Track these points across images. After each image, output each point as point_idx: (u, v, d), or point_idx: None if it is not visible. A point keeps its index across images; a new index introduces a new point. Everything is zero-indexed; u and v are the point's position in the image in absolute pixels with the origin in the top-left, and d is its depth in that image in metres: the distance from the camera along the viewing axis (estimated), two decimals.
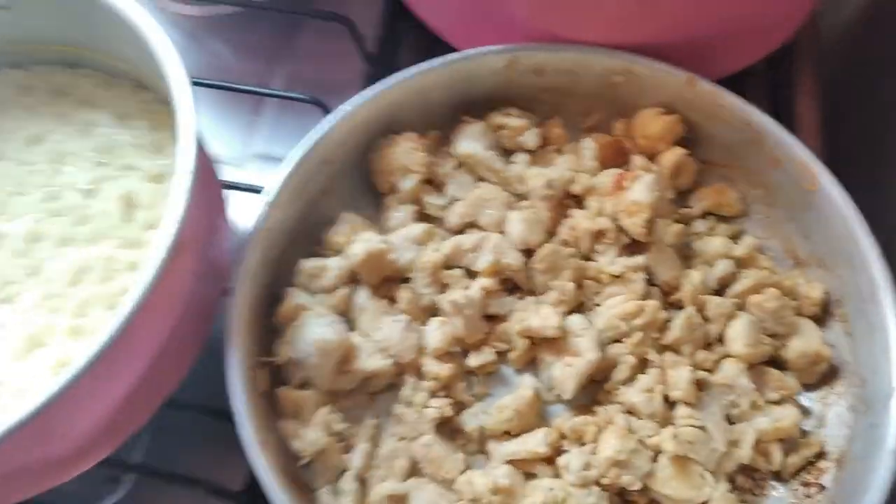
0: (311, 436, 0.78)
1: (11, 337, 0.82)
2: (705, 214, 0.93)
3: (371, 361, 0.83)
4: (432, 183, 0.94)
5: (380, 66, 1.12)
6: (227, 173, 1.04)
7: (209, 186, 0.86)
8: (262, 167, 1.11)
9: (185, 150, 0.77)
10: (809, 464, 0.80)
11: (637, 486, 0.76)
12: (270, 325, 0.85)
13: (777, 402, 0.82)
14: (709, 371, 0.82)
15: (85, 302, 0.84)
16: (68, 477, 0.79)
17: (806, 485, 0.79)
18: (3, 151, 0.94)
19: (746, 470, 0.81)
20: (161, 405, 0.83)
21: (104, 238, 0.88)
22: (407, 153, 0.91)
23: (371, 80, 0.94)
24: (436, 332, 0.84)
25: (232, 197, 1.07)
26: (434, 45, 1.00)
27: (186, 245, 0.78)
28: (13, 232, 0.88)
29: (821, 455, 0.80)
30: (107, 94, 0.97)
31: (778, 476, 0.81)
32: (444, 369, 0.82)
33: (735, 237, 0.92)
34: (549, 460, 0.80)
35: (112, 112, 0.96)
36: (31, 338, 0.82)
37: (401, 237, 0.88)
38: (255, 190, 1.00)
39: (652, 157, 0.93)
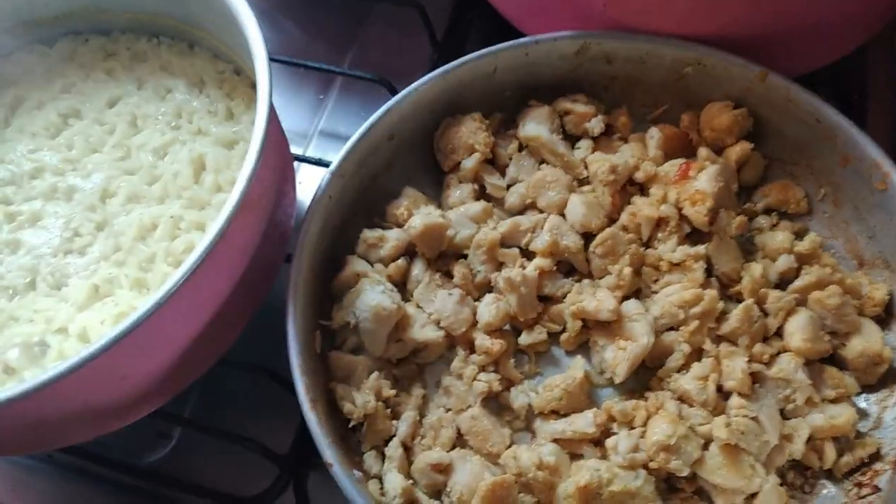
0: (361, 399, 0.79)
1: (78, 287, 0.85)
2: (769, 211, 0.92)
3: (423, 332, 0.84)
4: (494, 163, 0.95)
5: (447, 51, 1.14)
6: (295, 147, 1.07)
7: (280, 153, 0.88)
8: (328, 143, 1.14)
9: (260, 114, 0.79)
10: (864, 465, 0.78)
11: (685, 473, 0.76)
12: (327, 291, 0.87)
13: (833, 401, 0.81)
14: (765, 364, 0.81)
15: (150, 257, 0.86)
16: (123, 423, 0.81)
17: (859, 485, 0.77)
18: (84, 111, 0.97)
19: (798, 467, 0.79)
20: (216, 362, 0.86)
21: (172, 198, 0.91)
22: (471, 132, 0.92)
23: (438, 64, 0.95)
24: (489, 308, 0.84)
25: (299, 169, 1.11)
26: (502, 33, 1.01)
27: (254, 203, 0.80)
28: (86, 187, 0.92)
29: (876, 457, 0.78)
30: (184, 63, 1.00)
31: (830, 475, 0.79)
32: (495, 345, 0.82)
33: (799, 235, 0.90)
34: (596, 442, 0.80)
35: (188, 79, 0.99)
36: (96, 288, 0.85)
37: (459, 214, 0.89)
38: (322, 163, 1.03)
39: (718, 150, 0.92)
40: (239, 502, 0.89)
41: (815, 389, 0.80)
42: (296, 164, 1.05)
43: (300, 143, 1.14)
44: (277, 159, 0.86)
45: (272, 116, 0.79)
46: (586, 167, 0.91)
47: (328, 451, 0.72)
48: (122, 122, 0.96)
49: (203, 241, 0.71)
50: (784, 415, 0.80)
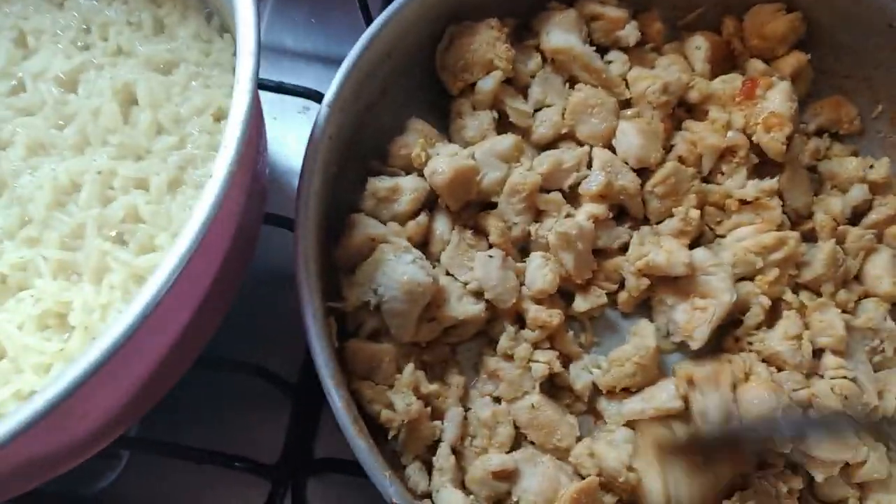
0: (401, 402, 0.62)
1: None
2: (820, 132, 0.81)
3: (462, 306, 0.67)
4: (512, 84, 0.76)
5: None
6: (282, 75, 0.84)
7: (256, 96, 0.66)
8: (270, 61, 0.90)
9: (247, 36, 0.56)
10: None
11: (788, 450, 0.65)
12: (330, 261, 0.67)
13: None
14: (850, 313, 0.71)
15: (76, 230, 0.63)
16: (80, 461, 0.59)
17: None
18: None
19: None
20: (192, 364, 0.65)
21: (95, 145, 0.66)
22: (488, 44, 0.72)
23: None
24: (541, 271, 0.68)
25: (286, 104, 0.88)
26: None
27: (246, 156, 0.58)
28: None
29: None
30: None
31: None
32: (553, 317, 0.67)
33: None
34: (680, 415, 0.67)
35: None
36: (2, 279, 0.61)
37: (484, 152, 0.71)
38: (285, 89, 0.81)
39: (767, 61, 0.78)
40: None
41: None
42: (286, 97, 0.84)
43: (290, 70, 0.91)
44: (257, 104, 0.64)
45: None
46: (628, 86, 0.75)
47: (392, 489, 0.54)
48: (5, 41, 0.69)
49: (200, 212, 0.50)
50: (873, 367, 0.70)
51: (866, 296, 0.73)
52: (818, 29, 0.79)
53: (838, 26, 0.78)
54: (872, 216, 0.75)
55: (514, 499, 0.63)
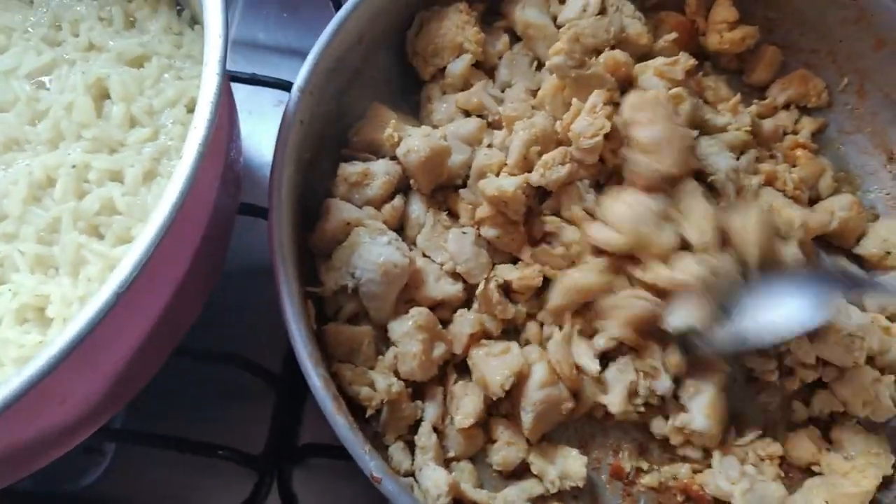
0: (383, 382, 0.62)
1: None
2: (788, 105, 0.82)
3: (440, 287, 0.67)
4: (480, 67, 0.77)
5: None
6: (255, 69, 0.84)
7: (227, 83, 0.66)
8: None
9: (213, 24, 0.57)
10: None
11: None
12: (305, 247, 0.67)
13: None
14: None
15: (52, 225, 0.63)
16: (61, 453, 0.59)
17: None
18: None
19: None
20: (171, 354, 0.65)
21: (69, 140, 0.66)
22: (457, 27, 0.73)
23: None
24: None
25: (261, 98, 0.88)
26: None
27: (217, 140, 0.59)
28: None
29: None
30: None
31: None
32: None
33: (820, 131, 0.81)
34: None
35: None
36: None
37: (450, 134, 0.72)
38: (259, 80, 0.82)
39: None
40: None
41: None
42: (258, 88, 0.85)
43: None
44: (227, 90, 0.64)
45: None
46: None
47: (372, 463, 0.55)
48: None
49: (169, 197, 0.51)
50: None
51: None
52: (784, 4, 0.81)
53: (803, 1, 0.79)
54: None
55: None
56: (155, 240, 0.49)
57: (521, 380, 0.63)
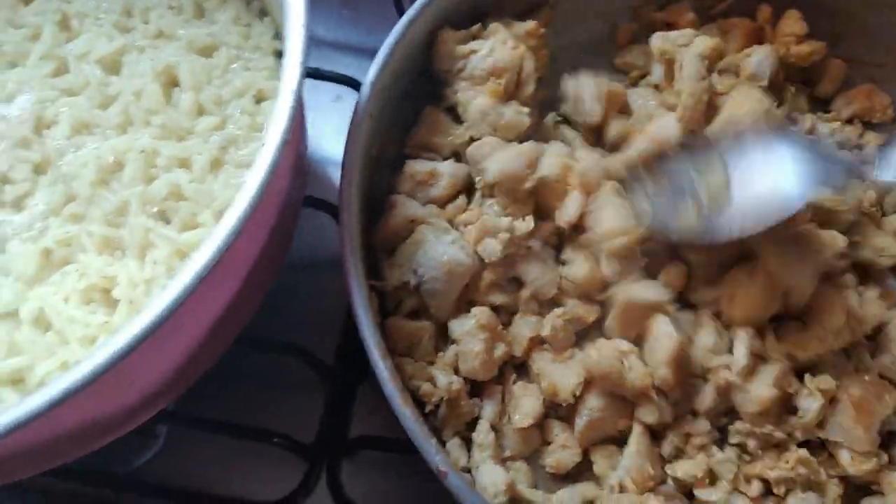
0: (444, 379, 0.62)
1: (21, 253, 0.61)
2: (852, 120, 0.81)
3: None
4: None
5: None
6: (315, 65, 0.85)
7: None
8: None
9: (296, 12, 0.57)
10: None
11: None
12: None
13: None
14: None
15: (120, 208, 0.63)
16: (124, 432, 0.59)
17: None
18: None
19: None
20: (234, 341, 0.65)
21: (138, 125, 0.67)
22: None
23: None
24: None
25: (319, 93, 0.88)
26: None
27: (293, 136, 0.59)
28: (10, 114, 0.66)
29: None
30: None
31: None
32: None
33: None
34: None
35: None
36: (47, 254, 0.62)
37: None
38: (322, 74, 0.83)
39: None
40: None
41: None
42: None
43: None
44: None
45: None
46: None
47: (438, 457, 0.55)
48: (49, 24, 0.70)
49: (253, 181, 0.51)
50: None
51: None
52: (847, 17, 0.80)
53: (871, 16, 0.79)
54: None
55: None
56: (238, 223, 0.49)
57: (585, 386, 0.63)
